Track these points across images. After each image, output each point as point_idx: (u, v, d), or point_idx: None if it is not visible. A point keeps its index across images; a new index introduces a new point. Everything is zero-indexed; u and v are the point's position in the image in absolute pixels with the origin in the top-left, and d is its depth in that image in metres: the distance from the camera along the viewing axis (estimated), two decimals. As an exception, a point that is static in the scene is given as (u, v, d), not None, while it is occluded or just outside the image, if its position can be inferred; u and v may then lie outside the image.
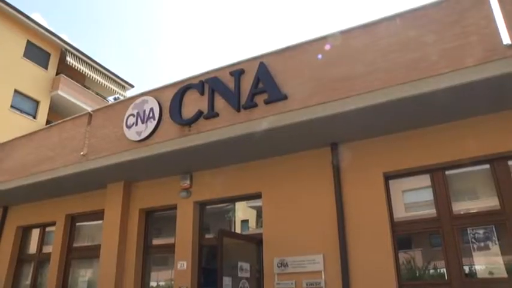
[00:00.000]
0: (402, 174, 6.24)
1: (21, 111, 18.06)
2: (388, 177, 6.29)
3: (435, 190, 6.02)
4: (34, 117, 18.55)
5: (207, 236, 7.81)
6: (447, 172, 6.02)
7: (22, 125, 16.67)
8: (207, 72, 7.06)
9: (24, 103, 18.28)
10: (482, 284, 5.36)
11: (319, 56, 6.09)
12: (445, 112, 5.70)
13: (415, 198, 6.57)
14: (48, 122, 17.74)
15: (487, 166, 5.83)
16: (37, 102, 18.88)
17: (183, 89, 7.16)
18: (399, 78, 5.35)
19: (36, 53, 19.11)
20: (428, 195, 6.10)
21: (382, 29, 5.77)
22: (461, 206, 5.89)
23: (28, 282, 10.31)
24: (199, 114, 6.76)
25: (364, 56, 5.74)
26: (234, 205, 7.95)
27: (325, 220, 6.32)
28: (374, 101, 5.46)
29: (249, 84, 6.44)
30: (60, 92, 19.31)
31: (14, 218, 10.91)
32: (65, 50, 20.03)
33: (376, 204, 6.08)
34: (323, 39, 6.20)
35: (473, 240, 5.62)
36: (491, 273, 5.53)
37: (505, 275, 5.39)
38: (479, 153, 5.69)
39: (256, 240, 6.93)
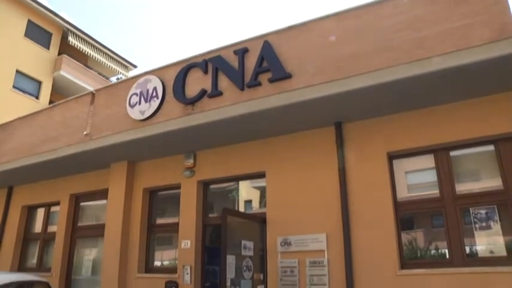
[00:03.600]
0: (406, 154, 6.23)
1: (23, 91, 17.99)
2: (392, 157, 6.29)
3: (439, 170, 6.01)
4: (37, 97, 18.50)
5: (211, 215, 7.88)
6: (451, 153, 6.01)
7: (25, 105, 16.63)
8: (211, 51, 7.00)
9: (26, 83, 18.19)
10: (483, 262, 5.40)
11: (324, 35, 6.03)
12: (450, 92, 5.66)
13: (418, 180, 6.57)
14: (51, 102, 17.67)
15: (491, 147, 5.81)
16: (39, 83, 18.80)
17: (186, 68, 7.12)
18: (405, 57, 5.29)
19: (37, 33, 18.92)
20: (431, 176, 6.10)
21: (389, 8, 5.68)
22: (464, 187, 5.89)
23: (34, 260, 10.46)
24: (203, 93, 6.74)
25: (370, 34, 5.67)
26: (238, 185, 7.99)
27: (329, 199, 6.35)
28: (379, 80, 5.42)
29: (253, 63, 6.39)
30: (62, 73, 19.20)
31: (19, 198, 11.02)
32: (66, 29, 19.83)
33: (379, 184, 6.10)
34: (328, 17, 6.13)
35: (475, 220, 5.65)
36: (491, 252, 5.58)
37: (504, 253, 5.45)
38: (483, 134, 5.67)
39: (260, 219, 6.98)
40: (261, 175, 7.24)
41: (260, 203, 7.65)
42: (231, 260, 6.09)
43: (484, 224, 5.61)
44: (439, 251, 5.93)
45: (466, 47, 4.96)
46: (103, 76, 21.77)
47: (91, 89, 9.07)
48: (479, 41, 4.92)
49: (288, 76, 6.05)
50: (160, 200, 8.81)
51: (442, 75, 5.20)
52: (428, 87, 5.53)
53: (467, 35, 5.01)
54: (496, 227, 5.56)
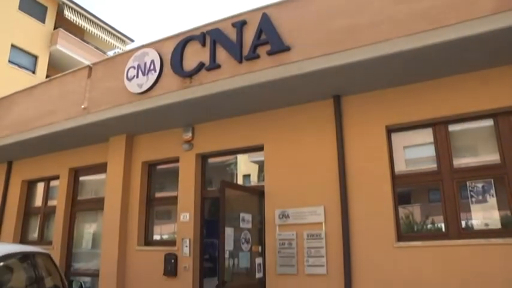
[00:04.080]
0: (405, 127, 6.22)
1: (19, 66, 17.84)
2: (390, 130, 6.28)
3: (437, 144, 6.02)
4: (33, 72, 18.35)
5: (210, 189, 7.92)
6: (450, 128, 6.00)
7: (21, 80, 16.52)
8: (209, 24, 6.89)
9: (22, 58, 18.01)
10: (478, 234, 5.48)
11: (324, 7, 5.92)
12: (450, 65, 5.60)
13: (416, 154, 6.59)
14: (47, 77, 17.53)
15: (490, 123, 5.80)
16: (35, 57, 18.61)
17: (184, 41, 7.03)
18: (406, 30, 5.21)
19: (32, 6, 18.61)
20: (429, 151, 6.10)
21: (390, -22, 5.57)
22: (462, 161, 5.92)
23: (35, 234, 10.58)
24: (201, 65, 6.67)
25: (371, 6, 5.56)
26: (236, 159, 8.01)
27: (327, 172, 6.38)
28: (379, 53, 5.35)
29: (252, 36, 6.30)
30: (59, 47, 18.99)
31: (18, 172, 11.05)
32: (62, 3, 19.52)
33: (377, 157, 6.12)
34: (328, -12, 6.01)
35: (471, 193, 5.70)
36: (486, 224, 5.65)
37: (499, 226, 5.53)
38: (483, 108, 5.65)
39: (258, 192, 7.02)
40: (259, 148, 7.24)
41: (258, 177, 7.68)
42: (229, 232, 6.15)
43: (480, 198, 5.66)
44: (435, 225, 6.00)
45: (468, 19, 4.87)
46: (100, 50, 21.55)
47: (88, 63, 8.98)
48: (482, 12, 4.83)
49: (286, 49, 5.98)
50: (159, 175, 8.84)
51: (443, 48, 5.14)
52: (428, 60, 5.47)
53: (470, 7, 4.92)
54: (492, 200, 5.61)
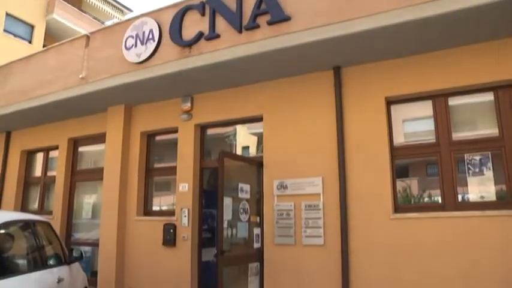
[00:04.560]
0: (405, 99, 6.19)
1: (15, 35, 17.57)
2: (390, 102, 6.26)
3: (436, 117, 6.00)
4: (30, 42, 18.09)
5: (209, 160, 7.94)
6: (450, 102, 5.97)
7: (18, 49, 16.27)
8: (209, -7, 6.77)
9: (18, 27, 17.72)
10: (474, 206, 5.55)
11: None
12: (452, 37, 5.52)
13: (415, 128, 6.59)
14: (44, 47, 17.32)
15: (489, 98, 5.78)
16: (32, 27, 18.31)
17: (183, 10, 6.90)
18: (407, 0, 5.11)
19: (27, -26, 18.21)
20: (428, 125, 6.10)
21: None
22: (460, 135, 5.93)
23: (36, 204, 10.67)
24: (200, 35, 6.58)
25: (373, -25, 5.46)
26: (235, 131, 8.01)
27: (326, 143, 6.39)
28: (380, 24, 5.27)
29: (252, 5, 6.18)
30: (55, 16, 18.67)
31: (17, 143, 11.04)
32: (57, -30, 19.11)
33: (376, 129, 6.11)
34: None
35: (469, 166, 5.73)
36: (482, 197, 5.72)
37: (494, 198, 5.61)
38: (483, 81, 5.61)
39: (257, 163, 7.05)
40: (258, 119, 7.22)
41: (257, 149, 7.69)
42: (227, 202, 6.19)
43: (477, 170, 5.70)
44: (432, 198, 6.06)
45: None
46: (98, 20, 21.22)
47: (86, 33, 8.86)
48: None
49: (287, 18, 5.88)
50: (158, 146, 8.86)
51: (444, 19, 5.06)
52: (430, 32, 5.39)
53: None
54: (489, 173, 5.65)
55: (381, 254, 5.79)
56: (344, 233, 6.01)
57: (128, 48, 7.43)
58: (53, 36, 18.87)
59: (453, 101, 6.00)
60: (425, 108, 6.15)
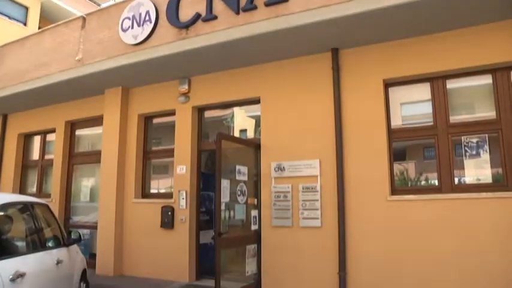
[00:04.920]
0: (403, 81, 6.18)
1: (9, 17, 17.29)
2: (388, 84, 6.25)
3: (434, 99, 5.99)
4: (24, 24, 17.81)
5: (206, 142, 7.93)
6: (448, 86, 5.95)
7: (13, 32, 16.03)
8: (206, -27, 6.67)
9: (12, 8, 17.39)
10: (469, 189, 5.60)
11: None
12: (450, 19, 5.49)
13: (412, 111, 6.58)
14: (40, 29, 17.10)
15: (487, 81, 5.77)
16: (26, 8, 18.01)
17: (180, -9, 6.82)
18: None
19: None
20: (426, 108, 6.09)
21: None
22: (458, 118, 5.94)
23: (34, 188, 10.68)
24: (197, 16, 6.50)
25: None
26: (233, 114, 7.99)
27: (323, 125, 6.39)
28: (378, 5, 5.22)
29: (249, -14, 6.12)
30: (50, -3, 18.37)
31: (14, 126, 11.00)
32: (51, -50, 18.71)
33: (374, 111, 6.11)
34: None
35: (466, 148, 5.75)
36: (478, 179, 5.77)
37: (490, 181, 5.65)
38: (482, 63, 5.60)
39: (254, 145, 7.06)
40: (255, 101, 7.20)
41: (255, 132, 7.68)
42: (225, 184, 6.22)
43: (474, 153, 5.73)
44: (429, 181, 6.09)
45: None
46: (94, 2, 20.90)
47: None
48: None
49: (284, 0, 5.82)
50: (156, 130, 8.84)
51: (442, 1, 5.02)
52: (428, 13, 5.35)
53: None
54: (485, 155, 5.69)
55: (377, 235, 5.85)
56: (341, 214, 6.05)
57: (124, 30, 7.35)
58: (48, 18, 18.55)
59: (451, 84, 5.98)
60: (423, 91, 6.14)
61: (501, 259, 5.12)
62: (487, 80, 5.79)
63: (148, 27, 7.02)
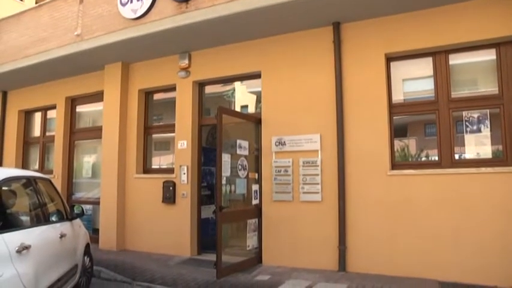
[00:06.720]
0: (405, 55, 6.12)
1: (5, -7, 17.05)
2: (389, 59, 6.19)
3: (436, 74, 5.95)
4: (21, -1, 17.60)
5: (207, 117, 7.93)
6: (451, 61, 5.89)
7: (8, 7, 15.85)
8: None
9: (7, -16, 17.17)
10: (469, 164, 5.62)
11: None
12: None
13: (414, 87, 6.51)
14: (36, 4, 16.85)
15: (491, 56, 5.71)
16: (23, -18, 17.76)
17: (179, -37, 6.69)
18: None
19: None
20: (428, 84, 6.06)
21: None
22: (460, 93, 5.91)
23: (36, 165, 10.73)
24: (197, -10, 6.41)
25: None
26: (234, 90, 7.95)
27: (324, 100, 6.37)
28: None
29: (250, -43, 6.00)
30: (47, -28, 18.04)
31: (14, 102, 10.96)
32: None
33: (376, 86, 6.08)
34: None
35: (466, 123, 5.74)
36: (478, 154, 5.78)
37: (490, 156, 5.67)
38: (485, 37, 5.53)
39: (255, 119, 7.05)
40: (256, 75, 7.15)
41: (256, 107, 7.66)
42: (226, 158, 6.23)
43: (474, 128, 5.73)
44: (429, 157, 6.10)
45: None
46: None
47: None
48: None
49: (285, -28, 5.71)
50: (156, 106, 8.81)
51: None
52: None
53: None
54: (486, 131, 5.69)
55: (377, 209, 5.91)
56: (341, 189, 6.10)
57: (123, 4, 7.25)
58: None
59: (453, 60, 5.92)
60: (425, 66, 6.08)
61: (499, 234, 5.18)
62: (490, 54, 5.73)
63: (147, 1, 6.93)
